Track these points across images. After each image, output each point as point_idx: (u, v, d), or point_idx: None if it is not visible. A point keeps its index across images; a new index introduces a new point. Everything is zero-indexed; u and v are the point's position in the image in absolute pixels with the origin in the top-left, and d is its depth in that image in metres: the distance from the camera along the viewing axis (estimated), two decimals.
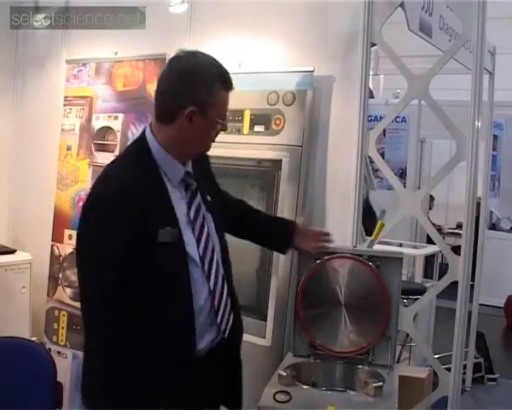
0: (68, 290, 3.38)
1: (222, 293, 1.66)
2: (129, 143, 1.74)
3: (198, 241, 1.61)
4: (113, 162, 1.63)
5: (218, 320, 1.64)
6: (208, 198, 1.70)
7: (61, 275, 3.45)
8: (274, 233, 2.05)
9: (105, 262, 1.47)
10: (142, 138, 1.61)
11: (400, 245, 4.42)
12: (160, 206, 1.55)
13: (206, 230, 1.64)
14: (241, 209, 2.06)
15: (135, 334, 1.50)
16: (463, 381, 3.68)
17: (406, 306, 3.06)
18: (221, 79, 1.56)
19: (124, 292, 1.48)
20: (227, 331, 1.68)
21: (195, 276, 1.59)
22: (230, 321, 1.69)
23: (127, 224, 1.47)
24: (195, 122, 1.54)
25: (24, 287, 3.52)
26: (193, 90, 1.52)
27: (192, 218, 1.62)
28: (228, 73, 1.59)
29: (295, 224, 2.09)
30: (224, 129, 1.64)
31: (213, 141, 1.66)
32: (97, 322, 1.50)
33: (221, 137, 1.73)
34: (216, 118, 1.57)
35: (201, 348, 1.62)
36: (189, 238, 1.59)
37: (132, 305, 1.50)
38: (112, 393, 1.47)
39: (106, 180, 1.56)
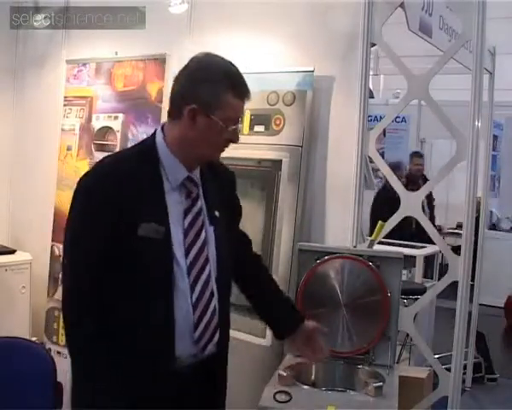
0: None
1: (206, 308, 1.55)
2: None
3: (187, 250, 1.54)
4: (114, 153, 1.63)
5: (196, 336, 1.53)
6: (216, 214, 1.62)
7: (60, 275, 3.45)
8: (278, 313, 1.83)
9: (80, 246, 1.48)
10: (152, 135, 1.59)
11: (400, 245, 4.42)
12: (148, 200, 1.49)
13: (200, 240, 1.57)
14: (255, 266, 1.87)
15: (107, 334, 1.46)
16: (463, 381, 3.68)
17: (406, 306, 3.06)
18: (229, 83, 1.49)
19: (99, 285, 1.46)
20: (207, 349, 1.57)
21: (181, 285, 1.51)
22: (214, 339, 1.58)
23: (103, 211, 1.45)
24: (199, 122, 1.49)
25: (24, 287, 3.52)
26: (196, 87, 1.49)
27: (186, 226, 1.55)
28: (240, 80, 1.52)
29: (304, 321, 1.83)
30: (234, 139, 1.54)
31: (221, 150, 1.57)
32: (70, 316, 1.49)
33: None
34: (221, 123, 1.48)
35: (180, 361, 1.52)
36: (178, 244, 1.52)
37: (108, 301, 1.47)
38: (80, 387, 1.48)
39: (94, 167, 1.59)
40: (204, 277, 1.55)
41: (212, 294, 1.57)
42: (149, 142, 1.58)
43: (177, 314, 1.50)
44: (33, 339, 3.03)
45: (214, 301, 1.58)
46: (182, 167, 1.55)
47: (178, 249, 1.52)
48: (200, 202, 1.59)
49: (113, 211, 1.45)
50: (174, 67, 3.06)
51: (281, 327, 1.83)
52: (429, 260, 4.56)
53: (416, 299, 3.00)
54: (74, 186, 1.51)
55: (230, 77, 1.50)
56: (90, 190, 1.50)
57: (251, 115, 2.83)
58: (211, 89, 1.48)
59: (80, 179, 1.53)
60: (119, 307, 1.48)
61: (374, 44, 2.63)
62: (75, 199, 1.51)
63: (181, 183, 1.55)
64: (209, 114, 1.48)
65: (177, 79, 1.55)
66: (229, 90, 1.48)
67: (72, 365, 1.49)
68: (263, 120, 2.80)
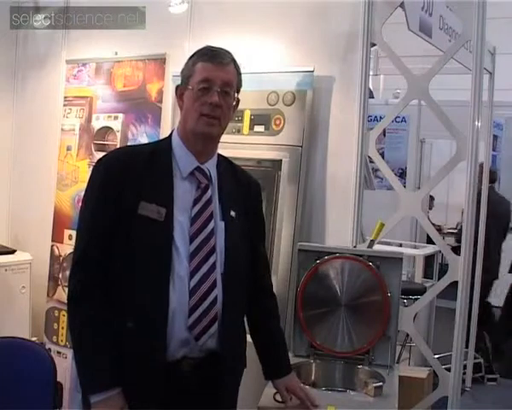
0: None
1: (205, 296, 1.55)
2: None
3: (192, 237, 1.56)
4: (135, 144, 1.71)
5: (190, 322, 1.53)
6: (232, 214, 1.65)
7: (60, 275, 3.45)
8: (267, 358, 1.84)
9: (87, 218, 1.58)
10: (172, 130, 1.69)
11: (400, 245, 4.43)
12: (153, 183, 1.56)
13: (207, 230, 1.58)
14: (263, 299, 1.84)
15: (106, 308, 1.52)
16: (463, 381, 3.68)
17: (406, 306, 3.06)
18: (198, 54, 1.61)
19: (104, 260, 1.53)
20: (202, 339, 1.56)
21: (178, 269, 1.53)
22: (210, 330, 1.56)
23: (108, 188, 1.55)
24: (184, 98, 1.61)
25: (24, 287, 3.51)
26: (181, 72, 1.65)
27: (194, 214, 1.58)
28: (208, 48, 1.63)
29: (290, 376, 1.84)
30: (208, 99, 1.56)
31: (202, 115, 1.57)
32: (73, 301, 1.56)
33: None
34: (190, 87, 1.58)
35: (173, 346, 1.53)
36: (181, 229, 1.56)
37: (111, 277, 1.54)
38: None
39: (112, 150, 1.77)
40: (207, 266, 1.57)
41: (213, 284, 1.57)
42: (168, 136, 1.68)
43: (172, 297, 1.52)
44: (33, 339, 3.03)
45: (216, 292, 1.58)
46: (192, 158, 1.61)
47: (180, 235, 1.55)
48: (210, 193, 1.62)
49: (116, 188, 1.53)
50: (174, 67, 3.06)
51: (267, 370, 1.83)
52: (429, 260, 4.56)
53: (416, 299, 3.00)
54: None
55: (201, 50, 1.63)
56: (100, 167, 1.60)
57: (251, 115, 2.83)
58: (186, 65, 1.63)
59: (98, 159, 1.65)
60: (120, 283, 1.54)
61: (374, 44, 2.64)
62: (90, 176, 1.62)
63: (191, 173, 1.61)
64: (187, 86, 1.59)
65: None
66: (199, 59, 1.60)
67: (72, 337, 1.61)
68: (263, 120, 2.80)
